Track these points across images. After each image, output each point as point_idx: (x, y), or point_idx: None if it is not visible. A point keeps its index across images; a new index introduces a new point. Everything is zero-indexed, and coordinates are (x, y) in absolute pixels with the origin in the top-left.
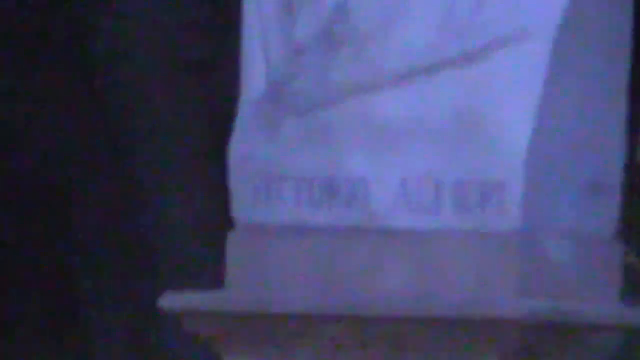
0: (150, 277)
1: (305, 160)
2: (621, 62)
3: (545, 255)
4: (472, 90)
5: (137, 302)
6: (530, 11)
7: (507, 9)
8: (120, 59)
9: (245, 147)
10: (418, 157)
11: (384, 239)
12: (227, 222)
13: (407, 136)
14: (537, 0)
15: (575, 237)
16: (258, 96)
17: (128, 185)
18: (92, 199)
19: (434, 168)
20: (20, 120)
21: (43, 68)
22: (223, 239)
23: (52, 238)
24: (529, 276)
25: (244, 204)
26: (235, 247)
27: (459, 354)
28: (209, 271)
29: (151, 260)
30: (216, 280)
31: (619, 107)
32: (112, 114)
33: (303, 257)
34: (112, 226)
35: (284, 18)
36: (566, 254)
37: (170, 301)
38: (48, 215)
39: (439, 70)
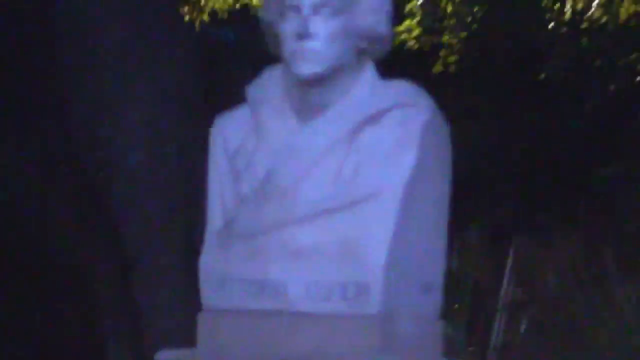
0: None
1: (246, 268)
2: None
3: (397, 330)
4: (352, 226)
5: None
6: (388, 172)
7: (372, 174)
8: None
9: (209, 259)
10: (318, 268)
11: (295, 319)
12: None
13: (312, 254)
14: (391, 167)
15: (417, 316)
16: (217, 228)
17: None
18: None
19: (328, 274)
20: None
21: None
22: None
23: None
24: (391, 341)
25: (208, 295)
26: (202, 324)
27: None
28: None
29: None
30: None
31: (444, 231)
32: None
33: (244, 329)
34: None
35: (234, 179)
36: (412, 326)
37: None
38: None
39: (332, 213)
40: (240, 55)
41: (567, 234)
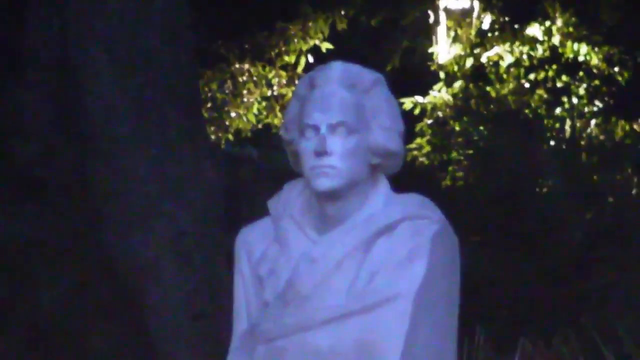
0: None
1: None
2: (454, 309)
3: None
4: (367, 330)
5: None
6: (400, 280)
7: (385, 281)
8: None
9: None
10: None
11: None
12: None
13: (329, 356)
14: (405, 273)
15: None
16: (242, 331)
17: None
18: None
19: None
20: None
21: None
22: None
23: None
24: None
25: None
26: None
27: None
28: None
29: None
30: None
31: (454, 333)
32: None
33: None
34: None
35: (258, 286)
36: None
37: None
38: None
39: (348, 317)
40: (262, 171)
41: (568, 335)
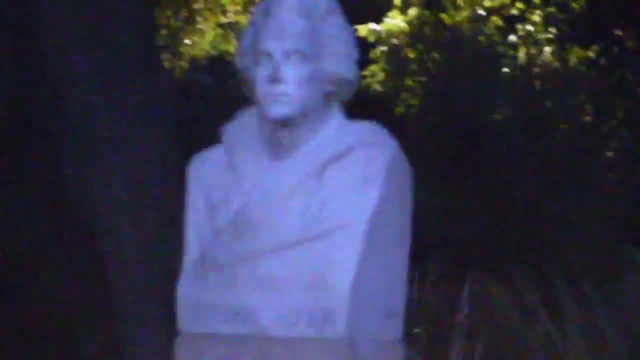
0: None
1: (220, 296)
2: (406, 239)
3: (361, 352)
4: (319, 257)
5: None
6: (353, 207)
7: (338, 209)
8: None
9: (186, 287)
10: (287, 296)
11: (266, 343)
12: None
13: (281, 283)
14: (356, 202)
15: (380, 341)
16: (194, 258)
17: None
18: None
19: (296, 302)
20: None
21: None
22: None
23: None
24: None
25: (185, 320)
26: (179, 346)
27: None
28: None
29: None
30: None
31: (405, 263)
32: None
33: (218, 353)
34: None
35: (210, 214)
36: (375, 350)
37: None
38: None
39: (300, 244)
40: (216, 99)
41: (520, 267)
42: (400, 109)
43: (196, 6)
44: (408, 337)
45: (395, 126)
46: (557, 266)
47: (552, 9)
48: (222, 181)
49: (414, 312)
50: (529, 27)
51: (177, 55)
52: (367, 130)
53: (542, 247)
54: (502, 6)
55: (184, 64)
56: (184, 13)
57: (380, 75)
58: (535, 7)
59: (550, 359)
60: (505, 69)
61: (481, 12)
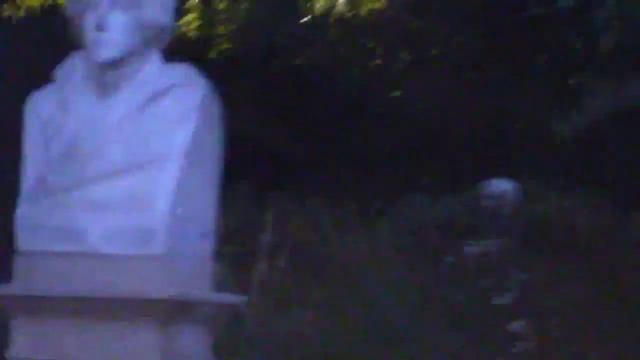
0: None
1: (54, 218)
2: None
3: (178, 268)
4: (142, 183)
5: None
6: (171, 140)
7: (158, 141)
8: None
9: (24, 210)
10: (113, 217)
11: (94, 259)
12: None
13: (107, 206)
14: (174, 135)
15: (194, 257)
16: (30, 185)
17: None
18: None
19: (121, 222)
20: None
21: None
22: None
23: None
24: (173, 276)
25: (23, 240)
26: (17, 264)
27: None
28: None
29: None
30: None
31: (216, 187)
32: None
33: (52, 268)
34: None
35: (44, 144)
36: (190, 265)
37: None
38: None
39: (125, 172)
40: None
41: (316, 189)
42: (213, 53)
43: None
44: (219, 254)
45: (208, 69)
46: (350, 193)
47: None
48: (55, 116)
49: (224, 231)
50: None
51: (14, 4)
52: (183, 72)
53: (339, 176)
54: None
55: (21, 13)
56: None
57: (195, 24)
58: None
59: (335, 271)
60: (305, 19)
61: None
